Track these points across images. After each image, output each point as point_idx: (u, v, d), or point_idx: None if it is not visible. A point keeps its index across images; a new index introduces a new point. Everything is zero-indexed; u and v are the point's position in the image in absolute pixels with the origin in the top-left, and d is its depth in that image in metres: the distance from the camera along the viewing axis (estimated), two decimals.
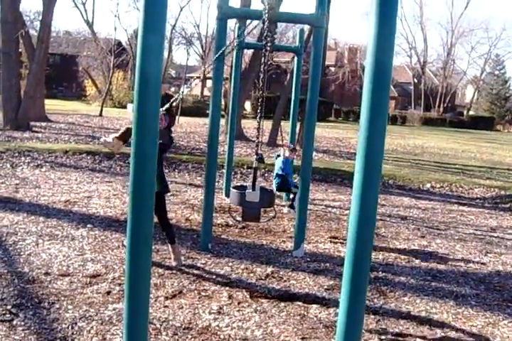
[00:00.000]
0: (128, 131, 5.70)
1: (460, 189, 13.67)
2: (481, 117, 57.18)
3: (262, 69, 5.53)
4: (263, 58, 5.65)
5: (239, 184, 6.72)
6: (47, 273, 5.42)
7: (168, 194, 6.23)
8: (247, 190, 5.61)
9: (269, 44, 5.57)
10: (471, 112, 64.63)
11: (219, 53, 5.90)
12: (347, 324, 3.04)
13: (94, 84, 41.51)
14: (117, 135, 5.74)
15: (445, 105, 61.51)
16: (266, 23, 5.36)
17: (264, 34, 5.49)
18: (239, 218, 6.27)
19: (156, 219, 5.46)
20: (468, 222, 10.00)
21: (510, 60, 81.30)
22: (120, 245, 6.53)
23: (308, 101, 6.52)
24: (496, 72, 66.44)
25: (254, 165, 5.77)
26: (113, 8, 52.26)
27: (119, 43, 43.35)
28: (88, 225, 7.34)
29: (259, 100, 5.86)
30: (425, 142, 27.87)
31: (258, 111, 5.86)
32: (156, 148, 2.84)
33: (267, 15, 5.34)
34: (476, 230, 9.33)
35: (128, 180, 9.57)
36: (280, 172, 8.96)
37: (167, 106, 5.71)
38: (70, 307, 4.65)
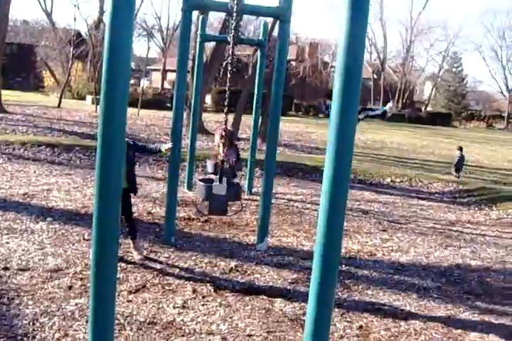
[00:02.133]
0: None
1: (419, 183, 13.86)
2: (439, 113, 58.06)
3: (229, 61, 5.46)
4: (231, 50, 5.59)
5: (205, 177, 6.63)
6: (6, 268, 5.28)
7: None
8: (213, 183, 5.55)
9: (235, 35, 5.51)
10: (428, 108, 65.58)
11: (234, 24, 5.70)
12: (316, 318, 3.03)
13: (53, 75, 40.65)
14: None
15: (404, 101, 62.23)
16: (233, 15, 5.29)
17: (232, 26, 5.42)
18: (206, 211, 6.20)
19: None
20: (428, 216, 10.15)
21: (467, 58, 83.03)
22: (81, 239, 6.41)
23: (273, 95, 6.49)
24: (454, 70, 67.48)
25: (220, 158, 5.71)
26: None
27: (79, 34, 42.39)
28: (48, 218, 7.18)
29: (226, 93, 5.78)
30: (385, 137, 28.18)
31: (225, 104, 5.79)
32: (123, 141, 2.77)
33: (233, 7, 5.28)
34: (436, 224, 9.47)
35: (88, 173, 9.40)
36: None
37: None
38: (30, 302, 4.53)
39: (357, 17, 2.67)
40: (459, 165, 15.90)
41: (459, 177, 15.41)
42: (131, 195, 6.09)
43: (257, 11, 6.88)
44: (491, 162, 21.92)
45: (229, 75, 5.54)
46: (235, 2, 5.12)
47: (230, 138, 7.35)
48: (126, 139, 5.86)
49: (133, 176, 5.97)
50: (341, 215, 2.97)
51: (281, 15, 6.27)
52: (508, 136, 46.63)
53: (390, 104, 8.66)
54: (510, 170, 19.67)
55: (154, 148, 6.34)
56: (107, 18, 2.62)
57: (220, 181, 5.55)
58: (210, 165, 7.00)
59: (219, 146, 6.94)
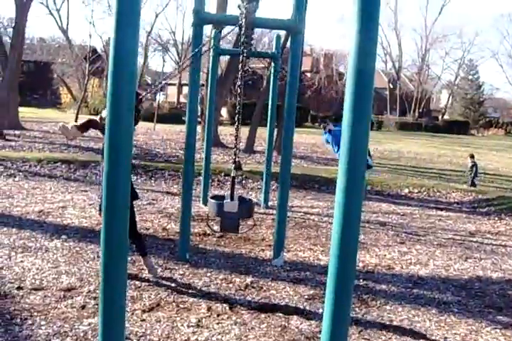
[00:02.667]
0: (90, 122, 5.61)
1: (438, 193, 13.69)
2: (456, 121, 57.74)
3: (239, 76, 5.42)
4: (240, 64, 5.55)
5: (217, 193, 6.59)
6: (19, 288, 5.24)
7: (144, 202, 6.10)
8: (225, 200, 5.48)
9: (246, 50, 5.47)
10: (445, 117, 65.25)
11: (191, 55, 5.79)
12: (331, 337, 2.94)
13: (69, 92, 41.11)
14: (77, 124, 5.63)
15: (420, 110, 61.99)
16: (243, 29, 5.26)
17: (241, 40, 5.39)
18: (217, 228, 6.14)
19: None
20: (447, 227, 10.00)
21: (483, 65, 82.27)
22: (95, 256, 6.36)
23: (287, 107, 6.44)
24: (470, 77, 67.15)
25: (232, 174, 5.65)
26: (88, 14, 51.94)
27: (94, 50, 42.91)
28: (62, 236, 7.16)
29: (237, 107, 5.75)
30: (401, 147, 28.02)
31: (236, 117, 5.75)
32: (130, 154, 2.73)
33: (244, 20, 5.24)
34: (455, 235, 9.32)
35: None
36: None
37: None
38: (43, 323, 4.48)
39: (367, 27, 2.61)
40: (476, 173, 15.92)
41: (475, 185, 15.26)
42: (138, 205, 5.98)
43: (269, 25, 6.85)
44: (510, 170, 21.65)
45: (239, 90, 5.48)
46: (244, 16, 5.08)
47: None
48: None
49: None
50: (356, 228, 2.90)
51: (293, 28, 6.23)
52: None
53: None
54: None
55: None
56: (111, 34, 2.59)
57: (232, 198, 5.49)
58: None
59: None
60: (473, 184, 15.60)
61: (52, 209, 8.73)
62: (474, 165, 15.95)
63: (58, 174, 12.13)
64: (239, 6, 5.63)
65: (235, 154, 5.61)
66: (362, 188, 2.81)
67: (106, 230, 2.75)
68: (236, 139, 5.74)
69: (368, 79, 2.65)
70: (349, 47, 2.67)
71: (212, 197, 5.93)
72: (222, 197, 5.73)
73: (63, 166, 12.58)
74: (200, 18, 6.10)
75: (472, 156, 16.38)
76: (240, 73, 5.41)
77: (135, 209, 6.06)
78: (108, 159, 2.67)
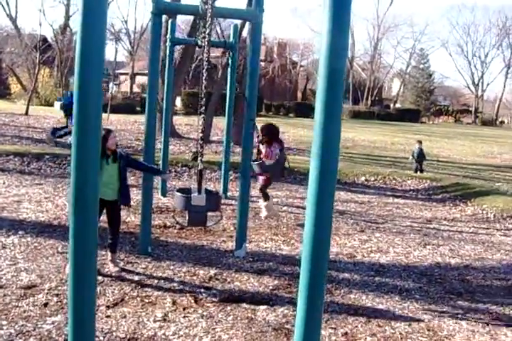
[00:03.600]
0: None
1: (393, 181, 13.90)
2: (408, 110, 58.65)
3: (203, 66, 5.33)
4: (204, 54, 5.47)
5: (181, 186, 6.50)
6: None
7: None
8: (192, 194, 5.41)
9: (207, 39, 5.39)
10: (397, 105, 66.23)
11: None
12: (306, 327, 2.94)
13: (19, 82, 39.95)
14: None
15: (373, 98, 62.73)
16: (206, 19, 5.17)
17: (207, 30, 5.29)
18: (185, 223, 6.06)
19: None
20: (405, 215, 10.16)
21: (433, 54, 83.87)
22: (55, 252, 6.22)
23: (248, 97, 6.38)
24: (421, 66, 68.20)
25: (199, 167, 5.56)
26: (37, 2, 50.52)
27: (45, 39, 41.80)
28: (20, 232, 6.96)
29: (202, 98, 5.65)
30: (355, 135, 28.28)
31: (199, 108, 5.66)
32: (98, 146, 2.65)
33: (207, 10, 5.15)
34: (413, 222, 9.48)
35: (59, 182, 9.17)
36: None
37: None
38: (4, 322, 4.35)
39: (338, 26, 2.60)
40: (420, 159, 15.80)
41: (422, 171, 15.43)
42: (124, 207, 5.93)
43: (230, 14, 6.77)
44: (461, 157, 22.16)
45: (205, 82, 5.39)
46: (210, 6, 4.99)
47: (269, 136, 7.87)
48: (118, 149, 5.75)
49: (125, 188, 5.80)
50: (329, 218, 2.89)
51: (254, 18, 6.17)
52: (476, 130, 47.34)
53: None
54: (481, 164, 19.91)
55: (153, 169, 6.20)
56: (78, 21, 2.49)
57: (199, 191, 5.42)
58: (256, 167, 7.17)
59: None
60: (421, 170, 15.65)
61: (7, 204, 8.49)
62: (421, 150, 15.92)
63: (11, 167, 11.79)
64: None
65: (201, 146, 5.52)
66: (335, 181, 2.81)
67: (75, 226, 2.67)
68: (203, 131, 5.65)
69: (339, 78, 2.64)
70: (320, 46, 2.65)
71: (178, 191, 5.84)
72: (188, 190, 5.65)
73: (16, 159, 12.24)
74: (160, 7, 5.98)
75: (420, 142, 16.37)
76: (204, 63, 5.33)
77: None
78: (76, 155, 2.59)
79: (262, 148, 8.04)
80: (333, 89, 2.62)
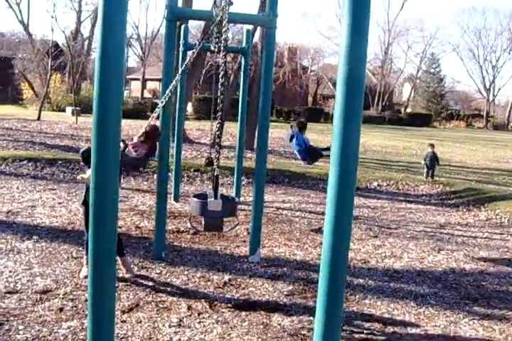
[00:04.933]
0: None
1: (406, 186, 13.87)
2: (419, 114, 58.47)
3: (220, 72, 5.33)
4: (220, 60, 5.46)
5: (198, 192, 6.48)
6: None
7: None
8: (208, 199, 5.41)
9: (223, 45, 5.40)
10: (408, 110, 66.06)
11: (186, 62, 5.68)
12: (325, 334, 2.93)
13: (31, 88, 40.16)
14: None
15: (383, 103, 62.58)
16: (223, 24, 5.18)
17: (223, 36, 5.29)
18: (200, 228, 6.05)
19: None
20: (418, 220, 10.11)
21: (444, 59, 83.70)
22: (69, 257, 6.24)
23: (262, 102, 6.38)
24: (432, 70, 68.05)
25: (215, 173, 5.55)
26: (49, 8, 50.95)
27: (57, 45, 42.06)
28: (34, 237, 6.99)
29: (218, 102, 5.63)
30: (367, 140, 28.18)
31: (217, 114, 5.65)
32: (118, 151, 2.66)
33: (222, 16, 5.15)
34: (426, 227, 9.43)
35: (72, 187, 9.19)
36: (301, 148, 8.93)
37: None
38: (20, 327, 4.36)
39: (357, 35, 2.60)
40: (432, 163, 14.94)
41: (432, 177, 14.76)
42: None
43: (244, 20, 6.78)
44: (473, 162, 22.02)
45: (221, 88, 5.39)
46: (225, 12, 4.99)
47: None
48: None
49: None
50: (348, 224, 2.90)
51: (268, 24, 6.18)
52: (487, 134, 47.09)
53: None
54: (494, 169, 19.78)
55: None
56: (97, 28, 2.51)
57: (216, 197, 5.41)
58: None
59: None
60: (432, 176, 14.86)
61: (21, 209, 8.53)
62: (434, 154, 15.09)
63: (25, 172, 11.87)
64: (215, 2, 5.55)
65: (218, 151, 5.51)
66: (354, 187, 2.81)
67: (94, 233, 2.67)
68: (219, 137, 5.63)
69: (359, 87, 2.64)
70: (339, 55, 2.65)
71: (195, 196, 5.83)
72: (204, 196, 5.65)
73: (30, 164, 12.31)
74: (174, 13, 6.01)
75: (432, 145, 15.57)
76: (220, 69, 5.33)
77: None
78: (95, 161, 2.59)
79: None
80: (352, 97, 2.62)
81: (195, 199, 5.61)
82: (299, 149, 8.90)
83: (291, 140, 9.04)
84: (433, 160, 14.91)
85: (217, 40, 5.88)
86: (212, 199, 5.39)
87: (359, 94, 2.64)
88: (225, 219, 5.89)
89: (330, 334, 2.99)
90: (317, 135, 27.18)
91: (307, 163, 9.20)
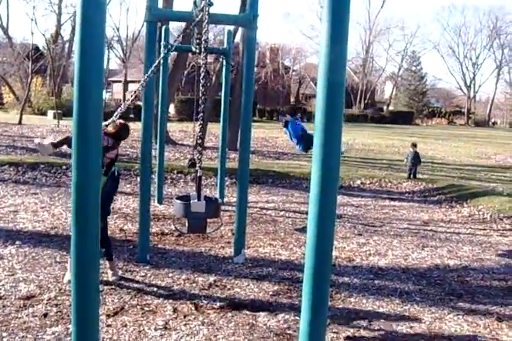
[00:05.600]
0: (66, 140, 5.43)
1: (389, 184, 13.95)
2: (401, 112, 58.87)
3: (201, 73, 5.31)
4: (200, 61, 5.45)
5: (181, 194, 6.46)
6: None
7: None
8: (191, 201, 5.39)
9: (203, 46, 5.38)
10: (390, 108, 66.46)
11: (159, 59, 5.66)
12: (311, 333, 2.94)
13: (12, 91, 39.79)
14: (54, 142, 5.45)
15: (366, 101, 62.94)
16: (202, 25, 5.16)
17: (203, 37, 5.27)
18: (184, 230, 6.02)
19: None
20: (401, 217, 10.17)
21: (425, 56, 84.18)
22: (53, 262, 6.19)
23: (244, 102, 6.38)
24: (413, 68, 68.52)
25: (198, 174, 5.54)
26: (29, 11, 50.67)
27: (37, 48, 41.64)
28: (17, 242, 6.92)
29: (200, 103, 5.61)
30: (349, 139, 28.23)
31: (198, 116, 5.63)
32: (99, 154, 2.64)
33: (203, 17, 5.13)
34: (410, 224, 9.49)
35: (55, 191, 9.13)
36: (296, 133, 9.06)
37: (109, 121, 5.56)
38: (4, 334, 4.31)
39: (336, 40, 2.62)
40: (415, 163, 14.76)
41: (415, 176, 14.55)
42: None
43: (225, 20, 6.77)
44: (456, 158, 22.20)
45: (202, 89, 5.37)
46: (205, 13, 4.97)
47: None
48: None
49: None
50: (332, 222, 2.91)
51: (248, 24, 6.18)
52: (469, 131, 47.49)
53: (344, 140, 8.20)
54: (476, 165, 19.96)
55: None
56: (77, 30, 2.49)
57: (199, 198, 5.40)
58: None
59: None
60: (414, 175, 14.63)
61: (3, 214, 8.45)
62: (416, 154, 14.97)
63: (6, 177, 11.76)
64: (195, 2, 5.54)
65: (200, 152, 5.50)
66: (336, 187, 2.82)
67: (77, 236, 2.65)
68: (201, 138, 5.61)
69: (339, 91, 2.65)
70: (319, 60, 2.66)
71: (177, 198, 5.81)
72: (187, 197, 5.63)
73: (11, 169, 12.20)
74: (154, 15, 5.98)
75: (415, 145, 15.41)
76: (201, 70, 5.31)
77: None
78: (77, 164, 2.57)
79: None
80: (333, 102, 2.63)
81: (178, 201, 5.59)
82: (294, 134, 9.06)
83: (286, 126, 9.28)
84: (415, 160, 14.82)
85: (197, 41, 5.86)
86: (196, 200, 5.37)
87: (339, 100, 2.65)
88: (209, 220, 5.87)
89: (315, 333, 3.00)
90: None
91: (301, 150, 9.34)
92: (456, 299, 5.75)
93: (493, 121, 69.94)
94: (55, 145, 5.41)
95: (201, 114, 5.52)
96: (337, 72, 2.63)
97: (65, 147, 5.67)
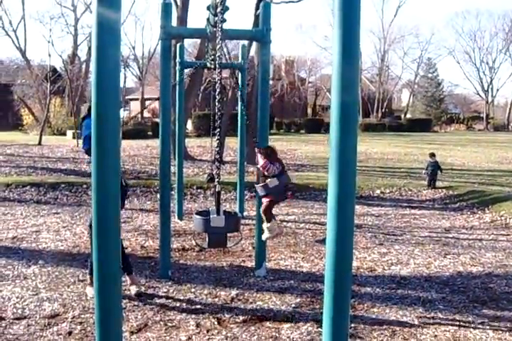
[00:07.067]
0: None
1: (409, 192, 13.88)
2: (419, 119, 58.48)
3: (216, 88, 5.37)
4: (216, 77, 5.51)
5: (200, 209, 6.49)
6: (1, 318, 5.10)
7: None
8: (211, 216, 5.43)
9: (218, 62, 5.45)
10: (408, 115, 66.14)
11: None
12: None
13: (31, 113, 40.38)
14: None
15: (383, 110, 62.70)
16: (216, 41, 5.23)
17: (218, 53, 5.34)
18: (205, 245, 6.06)
19: None
20: (422, 225, 10.11)
21: (441, 63, 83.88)
22: (76, 280, 6.25)
23: (260, 116, 6.40)
24: (429, 75, 68.22)
25: (217, 189, 5.58)
26: (45, 33, 51.62)
27: (54, 69, 42.31)
28: (40, 261, 7.01)
29: (216, 118, 5.67)
30: (368, 148, 28.21)
31: (215, 131, 5.69)
32: (118, 173, 2.68)
33: (217, 33, 5.20)
34: (431, 232, 9.43)
35: (76, 210, 9.25)
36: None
37: None
38: None
39: (348, 60, 2.65)
40: (434, 172, 14.41)
41: (434, 186, 14.23)
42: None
43: (238, 36, 6.84)
44: (476, 164, 22.01)
45: (218, 104, 5.42)
46: (219, 29, 5.04)
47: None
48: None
49: None
50: (350, 232, 2.90)
51: (262, 38, 6.24)
52: (488, 136, 47.06)
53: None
54: (496, 170, 19.77)
55: None
56: (92, 50, 2.55)
57: (218, 213, 5.43)
58: (259, 189, 6.56)
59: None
60: (433, 185, 14.29)
61: (26, 235, 8.56)
62: (436, 163, 14.63)
63: (28, 198, 11.92)
64: (208, 19, 5.61)
65: (218, 167, 5.54)
66: (353, 197, 2.83)
67: (98, 253, 2.69)
68: (219, 153, 5.67)
69: (352, 110, 2.68)
70: (332, 79, 2.68)
71: (196, 213, 5.86)
72: (206, 213, 5.67)
73: (32, 189, 12.37)
74: (168, 33, 6.07)
75: (433, 155, 15.06)
76: (216, 86, 5.37)
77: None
78: (96, 183, 2.62)
79: (261, 160, 6.80)
80: (346, 122, 2.65)
81: (198, 216, 5.62)
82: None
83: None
84: (435, 170, 14.49)
85: (212, 57, 5.93)
86: (215, 215, 5.40)
87: (353, 120, 2.68)
88: (229, 235, 5.90)
89: None
90: (319, 146, 27.29)
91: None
92: (480, 306, 5.70)
93: None
94: None
95: (218, 129, 5.58)
96: (349, 92, 2.66)
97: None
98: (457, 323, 5.21)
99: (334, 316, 2.95)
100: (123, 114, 38.86)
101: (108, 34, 2.55)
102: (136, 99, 54.45)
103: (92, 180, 2.65)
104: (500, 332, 5.00)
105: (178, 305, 5.58)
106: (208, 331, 4.89)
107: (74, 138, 28.27)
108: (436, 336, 4.88)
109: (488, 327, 5.13)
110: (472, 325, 5.17)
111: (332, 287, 2.90)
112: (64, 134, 35.47)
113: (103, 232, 2.70)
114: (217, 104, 5.43)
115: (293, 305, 5.61)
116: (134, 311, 5.35)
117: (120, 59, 2.70)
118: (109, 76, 2.58)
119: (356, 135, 2.75)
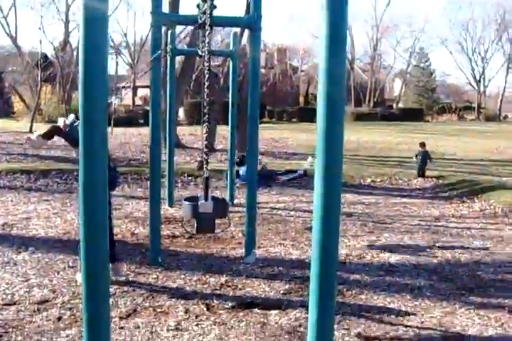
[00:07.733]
0: (53, 130, 5.61)
1: (400, 181, 13.97)
2: (411, 109, 58.56)
3: (205, 75, 5.37)
4: (205, 64, 5.51)
5: (188, 195, 6.52)
6: None
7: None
8: (199, 201, 5.44)
9: (207, 49, 5.44)
10: (400, 105, 66.13)
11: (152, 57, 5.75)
12: (319, 329, 2.97)
13: (22, 100, 40.13)
14: (41, 133, 5.62)
15: (375, 99, 62.73)
16: (205, 28, 5.22)
17: (207, 40, 5.34)
18: (193, 231, 6.08)
19: None
20: (412, 214, 10.17)
21: (433, 53, 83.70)
22: (66, 266, 6.26)
23: (250, 104, 6.41)
24: (422, 65, 68.11)
25: (205, 175, 5.59)
26: (37, 20, 51.03)
27: (46, 56, 41.94)
28: (30, 248, 7.01)
29: (205, 104, 5.67)
30: (359, 137, 28.23)
31: (205, 117, 5.69)
32: (106, 159, 2.68)
33: (206, 20, 5.19)
34: (421, 221, 9.49)
35: (67, 197, 9.23)
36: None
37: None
38: (19, 338, 4.37)
39: (335, 53, 2.67)
40: (423, 161, 14.55)
41: (424, 175, 14.31)
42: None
43: (228, 23, 6.83)
44: (467, 153, 22.10)
45: (206, 91, 5.42)
46: (208, 16, 5.03)
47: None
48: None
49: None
50: (336, 220, 2.93)
51: (253, 25, 6.23)
52: (480, 126, 47.16)
53: (309, 159, 8.30)
54: (486, 160, 19.88)
55: None
56: (80, 36, 2.55)
57: (206, 198, 5.44)
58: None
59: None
60: (423, 174, 14.41)
61: (16, 221, 8.55)
62: (426, 153, 14.78)
63: (18, 185, 11.90)
64: (198, 5, 5.58)
65: (206, 154, 5.55)
66: (340, 183, 2.85)
67: (85, 239, 2.71)
68: (207, 139, 5.67)
69: (339, 105, 2.69)
70: (318, 72, 2.71)
71: (185, 199, 5.87)
72: (195, 199, 5.68)
73: (23, 176, 12.36)
74: (159, 19, 6.05)
75: (423, 144, 15.23)
76: (204, 72, 5.37)
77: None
78: (84, 166, 2.62)
79: None
80: (333, 117, 2.68)
81: (187, 202, 5.64)
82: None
83: (238, 176, 9.49)
84: (424, 159, 14.65)
85: (202, 44, 5.91)
86: (203, 201, 5.42)
87: (339, 114, 2.70)
88: (218, 222, 5.91)
89: (324, 330, 3.02)
90: (310, 134, 27.25)
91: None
92: (467, 293, 5.75)
93: (504, 115, 69.31)
94: (44, 136, 5.56)
95: (207, 116, 5.57)
96: (336, 86, 2.68)
97: (56, 137, 5.81)
98: (444, 310, 5.26)
99: (320, 303, 2.98)
100: (115, 101, 38.62)
101: (96, 22, 2.55)
102: (128, 87, 54.16)
103: (79, 165, 2.66)
104: (486, 318, 5.06)
105: (167, 291, 5.60)
106: (196, 317, 4.92)
107: None
108: (423, 322, 4.93)
109: (474, 314, 5.17)
110: (458, 312, 5.22)
111: (318, 274, 2.95)
112: (55, 122, 35.20)
113: (90, 218, 2.71)
114: (205, 90, 5.43)
115: (282, 292, 5.65)
116: (123, 297, 5.37)
117: (108, 47, 2.70)
118: (96, 64, 2.59)
119: (343, 124, 2.77)
